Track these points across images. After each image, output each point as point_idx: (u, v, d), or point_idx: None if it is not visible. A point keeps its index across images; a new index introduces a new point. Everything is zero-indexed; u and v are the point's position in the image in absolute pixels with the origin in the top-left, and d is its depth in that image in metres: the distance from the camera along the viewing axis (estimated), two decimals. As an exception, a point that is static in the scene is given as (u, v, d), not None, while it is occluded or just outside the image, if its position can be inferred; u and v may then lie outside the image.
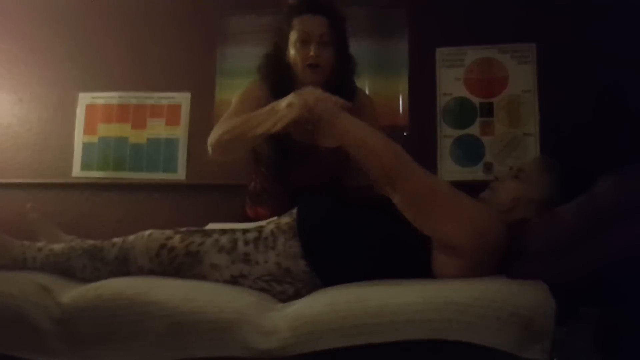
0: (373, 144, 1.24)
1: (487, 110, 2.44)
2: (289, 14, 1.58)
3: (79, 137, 2.70)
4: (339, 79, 1.59)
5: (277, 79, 1.59)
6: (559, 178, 1.33)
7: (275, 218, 1.39)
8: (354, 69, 1.65)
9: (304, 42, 1.52)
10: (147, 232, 1.35)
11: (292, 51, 1.56)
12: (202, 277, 1.28)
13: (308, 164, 1.60)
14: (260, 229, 1.34)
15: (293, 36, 1.55)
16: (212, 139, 1.54)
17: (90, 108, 2.72)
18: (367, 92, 2.40)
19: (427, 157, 2.41)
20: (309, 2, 1.56)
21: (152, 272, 1.30)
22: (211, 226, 1.44)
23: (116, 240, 1.36)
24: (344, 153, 1.44)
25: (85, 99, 2.72)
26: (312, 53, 1.51)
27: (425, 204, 1.20)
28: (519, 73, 2.42)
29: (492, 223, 1.23)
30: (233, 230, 1.34)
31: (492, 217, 1.25)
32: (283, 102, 1.33)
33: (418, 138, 2.42)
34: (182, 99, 2.67)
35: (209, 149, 1.55)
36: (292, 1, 1.60)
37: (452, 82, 2.47)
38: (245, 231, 1.34)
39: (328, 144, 1.28)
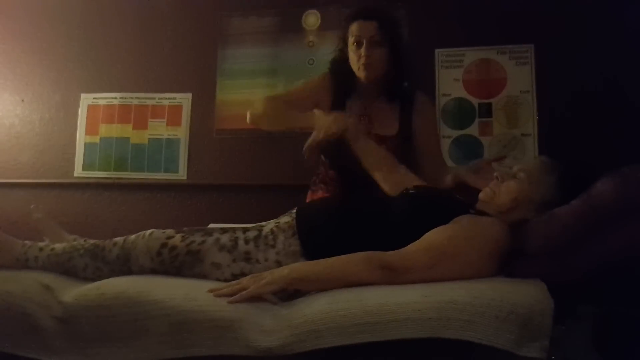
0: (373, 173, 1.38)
1: (486, 110, 2.44)
2: (346, 22, 1.75)
3: (80, 138, 2.71)
4: (393, 80, 1.74)
5: (343, 80, 1.76)
6: (560, 179, 1.33)
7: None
8: (408, 70, 1.77)
9: (357, 44, 1.69)
10: (148, 231, 1.35)
11: (350, 54, 1.73)
12: (203, 276, 1.29)
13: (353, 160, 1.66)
14: (260, 228, 1.35)
15: (350, 41, 1.71)
16: (260, 106, 1.72)
17: (92, 108, 2.73)
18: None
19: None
20: (362, 9, 1.74)
21: (153, 271, 1.31)
22: (211, 227, 1.44)
23: (117, 239, 1.37)
24: (396, 142, 1.69)
25: (87, 99, 2.74)
26: (363, 53, 1.67)
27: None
28: (518, 74, 2.42)
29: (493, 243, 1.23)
30: (233, 229, 1.35)
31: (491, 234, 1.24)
32: (330, 117, 1.53)
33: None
34: (183, 99, 2.68)
35: (249, 114, 1.73)
36: (348, 11, 1.79)
37: (451, 82, 2.48)
38: (245, 230, 1.34)
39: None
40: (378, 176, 1.49)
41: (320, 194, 1.83)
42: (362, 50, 1.67)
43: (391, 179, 1.45)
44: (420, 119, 1.76)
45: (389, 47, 1.70)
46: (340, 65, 1.77)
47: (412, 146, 1.74)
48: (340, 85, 1.76)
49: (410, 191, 1.38)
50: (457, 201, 1.38)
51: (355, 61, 1.70)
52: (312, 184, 1.89)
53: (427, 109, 1.80)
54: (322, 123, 1.50)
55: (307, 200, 1.89)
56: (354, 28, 1.70)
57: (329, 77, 1.80)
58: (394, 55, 1.71)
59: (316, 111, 1.56)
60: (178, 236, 1.32)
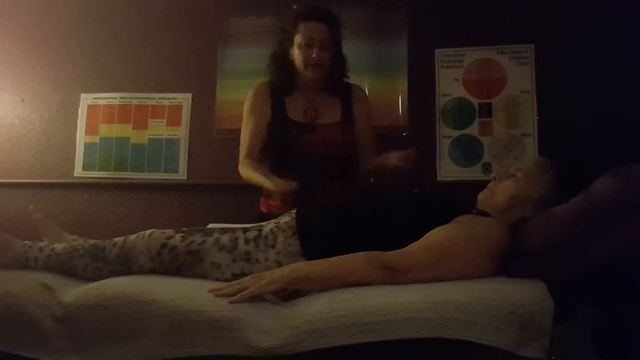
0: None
1: (486, 110, 2.45)
2: (295, 19, 1.79)
3: (80, 138, 2.71)
4: (335, 77, 1.86)
5: (282, 75, 1.84)
6: (557, 177, 1.34)
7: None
8: (347, 68, 1.90)
9: (307, 45, 1.75)
10: (148, 231, 1.35)
11: (296, 52, 1.78)
12: (203, 276, 1.29)
13: (307, 138, 1.79)
14: (260, 228, 1.35)
15: (298, 39, 1.77)
16: (240, 167, 1.85)
17: (92, 108, 2.73)
18: (367, 92, 2.44)
19: (426, 158, 2.42)
20: (314, 10, 1.79)
21: (153, 271, 1.31)
22: (211, 227, 1.44)
23: (117, 239, 1.37)
24: (341, 127, 1.81)
25: (87, 99, 2.74)
26: (314, 55, 1.75)
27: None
28: (518, 74, 2.43)
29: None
30: (233, 229, 1.35)
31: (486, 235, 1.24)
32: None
33: (417, 138, 2.43)
34: (183, 99, 2.68)
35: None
36: (298, 7, 1.83)
37: (451, 82, 2.48)
38: (245, 230, 1.35)
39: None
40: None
41: (277, 197, 1.84)
42: (314, 52, 1.75)
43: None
44: (357, 109, 1.88)
45: (333, 49, 1.80)
46: (281, 59, 1.83)
47: (353, 130, 1.86)
48: (280, 83, 1.84)
49: (414, 190, 1.38)
50: (458, 201, 1.39)
51: (302, 60, 1.77)
52: (265, 191, 1.91)
53: (362, 100, 1.92)
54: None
55: (260, 209, 1.93)
56: (305, 28, 1.75)
57: (260, 88, 1.88)
58: (337, 55, 1.83)
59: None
60: (178, 236, 1.33)
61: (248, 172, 1.79)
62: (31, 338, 1.13)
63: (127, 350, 1.08)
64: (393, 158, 1.72)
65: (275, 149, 1.83)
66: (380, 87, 2.49)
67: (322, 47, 1.75)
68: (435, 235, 1.21)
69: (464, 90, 2.47)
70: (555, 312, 1.01)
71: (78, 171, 2.69)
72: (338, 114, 1.84)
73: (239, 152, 2.64)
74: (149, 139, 2.68)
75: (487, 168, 2.41)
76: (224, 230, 1.35)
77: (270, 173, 1.71)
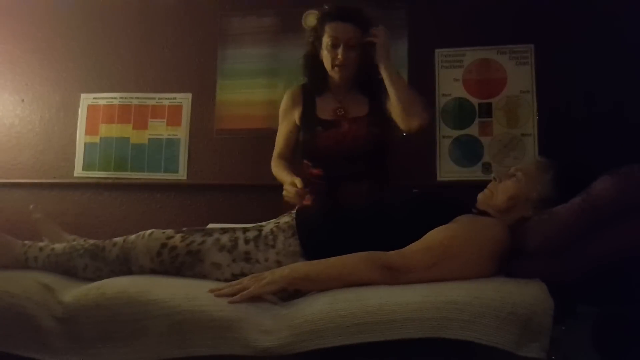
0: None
1: (486, 110, 2.45)
2: (322, 20, 1.79)
3: (80, 138, 2.72)
4: (365, 75, 1.83)
5: (314, 76, 1.86)
6: (556, 176, 1.34)
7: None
8: (377, 66, 1.82)
9: (333, 45, 1.74)
10: (148, 231, 1.35)
11: (324, 53, 1.78)
12: (203, 276, 1.29)
13: (330, 133, 1.79)
14: (260, 228, 1.35)
15: (325, 40, 1.76)
16: (272, 164, 1.88)
17: (92, 109, 2.73)
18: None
19: (426, 158, 2.43)
20: (340, 10, 1.77)
21: (153, 271, 1.31)
22: (211, 227, 1.44)
23: (117, 239, 1.37)
24: (367, 120, 1.80)
25: (87, 99, 2.74)
26: (339, 56, 1.74)
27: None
28: (518, 74, 2.43)
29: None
30: (233, 229, 1.35)
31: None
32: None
33: (417, 138, 2.40)
34: (183, 99, 2.68)
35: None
36: (326, 8, 1.81)
37: (451, 82, 2.48)
38: (245, 230, 1.35)
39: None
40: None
41: (308, 194, 1.83)
42: (340, 53, 1.73)
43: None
44: (383, 105, 1.83)
45: (362, 48, 1.77)
46: (312, 60, 1.84)
47: (384, 125, 1.82)
48: (312, 83, 1.87)
49: (414, 191, 1.38)
50: (458, 201, 1.39)
51: (330, 60, 1.76)
52: None
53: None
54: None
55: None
56: (331, 28, 1.74)
57: (290, 93, 1.92)
58: (365, 54, 1.78)
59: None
60: (178, 236, 1.33)
61: (275, 170, 1.85)
62: (31, 338, 1.13)
63: (127, 350, 1.08)
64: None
65: (305, 147, 1.85)
66: (380, 87, 2.49)
67: (348, 47, 1.73)
68: (436, 235, 1.21)
69: (464, 90, 2.47)
70: (556, 312, 1.01)
71: (78, 171, 2.70)
72: (366, 109, 1.83)
73: (238, 152, 2.67)
74: (149, 139, 2.68)
75: (487, 168, 2.41)
76: (224, 230, 1.35)
77: (291, 174, 1.72)
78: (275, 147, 1.91)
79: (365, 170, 1.79)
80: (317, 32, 1.80)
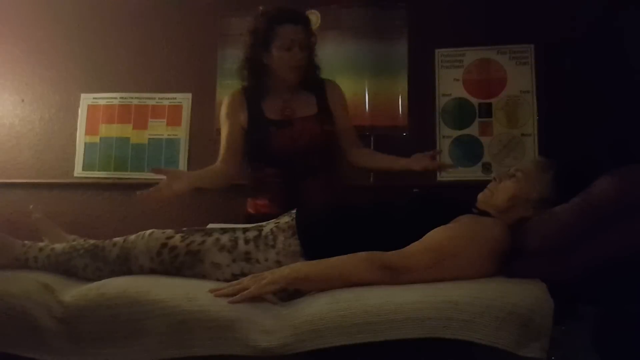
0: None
1: (486, 110, 2.45)
2: (269, 21, 1.78)
3: (80, 138, 2.71)
4: (309, 74, 1.87)
5: (257, 78, 1.86)
6: (556, 176, 1.35)
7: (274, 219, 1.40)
8: (319, 64, 1.92)
9: (288, 48, 1.76)
10: (148, 231, 1.35)
11: (276, 55, 1.78)
12: (203, 276, 1.29)
13: (284, 133, 1.81)
14: (260, 228, 1.35)
15: (277, 42, 1.77)
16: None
17: (92, 108, 2.73)
18: (366, 92, 2.45)
19: (435, 158, 2.42)
20: (289, 12, 1.80)
21: (153, 271, 1.31)
22: (211, 227, 1.44)
23: (117, 239, 1.37)
24: (318, 119, 1.84)
25: (87, 99, 2.74)
26: (298, 57, 1.78)
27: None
28: (518, 74, 2.43)
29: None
30: (233, 229, 1.35)
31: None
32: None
33: (417, 138, 2.43)
34: (183, 99, 2.68)
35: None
36: (269, 9, 1.82)
37: (451, 82, 2.48)
38: (245, 230, 1.35)
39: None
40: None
41: (263, 197, 1.87)
42: (297, 55, 1.77)
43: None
44: (332, 102, 1.90)
45: (309, 49, 1.83)
46: (254, 63, 1.84)
47: (332, 122, 1.88)
48: (254, 87, 1.87)
49: (414, 190, 1.38)
50: (458, 201, 1.39)
51: (286, 62, 1.78)
52: (251, 192, 1.94)
53: (337, 93, 1.94)
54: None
55: (247, 210, 1.94)
56: (285, 31, 1.76)
57: (232, 97, 1.90)
58: (311, 55, 1.85)
59: None
60: (178, 236, 1.33)
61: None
62: (31, 338, 1.13)
63: (127, 350, 1.08)
64: (422, 164, 1.73)
65: (257, 149, 1.86)
66: (380, 87, 2.49)
67: (301, 47, 1.78)
68: (436, 236, 1.21)
69: (464, 90, 2.47)
70: (556, 312, 1.01)
71: (78, 171, 2.69)
72: (314, 108, 1.87)
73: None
74: (149, 139, 2.68)
75: (487, 168, 2.41)
76: (224, 230, 1.35)
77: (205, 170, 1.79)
78: (221, 152, 1.87)
79: (320, 165, 1.84)
80: (264, 34, 1.79)
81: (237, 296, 1.12)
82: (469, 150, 2.44)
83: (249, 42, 1.84)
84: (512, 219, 1.33)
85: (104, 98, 2.72)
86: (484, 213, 1.35)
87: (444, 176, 2.42)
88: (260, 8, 1.84)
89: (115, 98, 2.71)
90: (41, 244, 1.42)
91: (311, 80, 1.89)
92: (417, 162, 1.76)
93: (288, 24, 1.76)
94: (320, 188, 1.79)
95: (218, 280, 1.28)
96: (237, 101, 1.89)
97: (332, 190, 1.82)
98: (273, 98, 1.87)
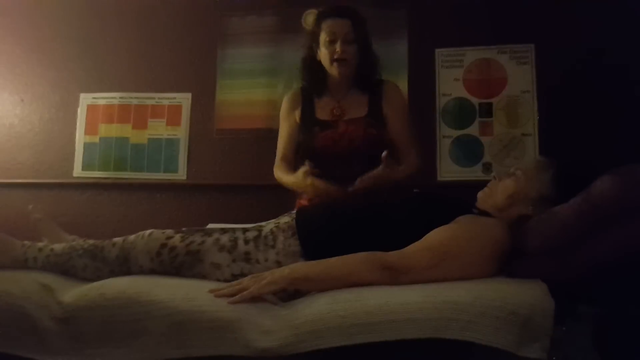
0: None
1: (486, 110, 2.45)
2: (318, 19, 1.83)
3: (80, 137, 2.71)
4: (364, 73, 1.84)
5: (312, 77, 1.87)
6: (555, 175, 1.35)
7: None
8: (377, 64, 1.88)
9: (331, 41, 1.77)
10: (148, 231, 1.35)
11: (322, 50, 1.80)
12: (203, 277, 1.29)
13: (327, 134, 1.80)
14: (260, 228, 1.35)
15: (323, 37, 1.79)
16: (274, 170, 1.88)
17: (91, 108, 2.73)
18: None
19: (426, 158, 2.42)
20: (335, 7, 1.82)
21: (153, 272, 1.30)
22: (211, 227, 1.44)
23: (117, 239, 1.36)
24: (364, 121, 1.80)
25: (86, 99, 2.74)
26: (338, 49, 1.76)
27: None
28: (518, 74, 2.43)
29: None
30: (233, 230, 1.35)
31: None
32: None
33: (417, 138, 2.42)
34: (183, 99, 2.68)
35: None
36: (321, 8, 1.88)
37: (451, 82, 2.48)
38: (245, 230, 1.34)
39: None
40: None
41: (307, 198, 1.83)
42: (337, 47, 1.75)
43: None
44: (387, 105, 1.84)
45: (359, 44, 1.80)
46: (310, 62, 1.86)
47: (382, 126, 1.82)
48: (311, 85, 1.87)
49: (414, 190, 1.38)
50: (458, 201, 1.39)
51: (329, 57, 1.78)
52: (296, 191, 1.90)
53: (394, 96, 1.88)
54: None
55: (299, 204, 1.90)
56: (327, 25, 1.77)
57: (289, 97, 1.93)
58: (363, 51, 1.82)
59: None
60: (177, 236, 1.32)
61: (278, 174, 1.86)
62: (31, 338, 1.13)
63: (127, 351, 1.08)
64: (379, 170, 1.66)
65: (303, 149, 1.85)
66: (380, 87, 2.49)
67: (346, 41, 1.75)
68: (436, 236, 1.21)
69: (464, 90, 2.47)
70: (556, 312, 1.01)
71: (77, 171, 2.69)
72: (364, 110, 1.82)
73: (238, 152, 2.66)
74: (148, 138, 2.68)
75: (487, 168, 2.41)
76: (223, 231, 1.35)
77: (294, 172, 1.75)
78: (277, 151, 1.91)
79: (362, 171, 1.74)
80: (314, 33, 1.82)
81: (237, 296, 1.12)
82: (469, 150, 2.44)
83: (306, 42, 1.87)
84: (512, 217, 1.33)
85: (103, 98, 2.72)
86: (484, 213, 1.35)
87: (444, 176, 2.42)
88: (320, 8, 1.88)
89: (115, 98, 2.71)
90: (41, 244, 1.42)
91: (367, 80, 1.84)
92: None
93: (332, 18, 1.77)
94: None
95: (218, 280, 1.27)
96: (294, 99, 1.91)
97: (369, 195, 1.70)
98: (327, 98, 1.86)
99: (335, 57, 1.76)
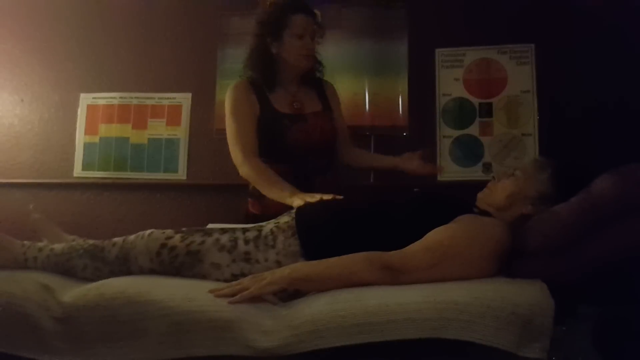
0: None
1: (486, 110, 2.45)
2: (282, 11, 1.81)
3: (80, 137, 2.71)
4: (313, 70, 1.91)
5: (265, 69, 1.84)
6: (554, 174, 1.35)
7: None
8: (322, 63, 1.96)
9: (300, 36, 1.79)
10: (148, 231, 1.35)
11: (287, 42, 1.80)
12: (203, 277, 1.29)
13: (301, 127, 1.81)
14: (260, 228, 1.35)
15: (290, 30, 1.79)
16: (243, 169, 1.80)
17: (91, 108, 2.73)
18: (366, 92, 2.46)
19: (426, 158, 2.42)
20: (300, 3, 1.83)
21: (152, 272, 1.30)
22: (211, 227, 1.44)
23: (117, 239, 1.36)
24: (327, 115, 1.87)
25: (86, 99, 2.73)
26: (309, 46, 1.81)
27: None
28: (518, 74, 2.43)
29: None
30: (233, 230, 1.35)
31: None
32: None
33: (417, 138, 2.43)
34: (183, 99, 2.68)
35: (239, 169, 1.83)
36: (281, 0, 1.84)
37: (451, 82, 2.48)
38: (245, 230, 1.34)
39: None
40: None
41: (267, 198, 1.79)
42: (307, 43, 1.80)
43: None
44: (333, 103, 1.95)
45: (316, 40, 1.87)
46: (262, 54, 1.83)
47: (334, 119, 1.92)
48: (263, 77, 1.84)
49: (414, 190, 1.38)
50: (458, 201, 1.39)
51: (295, 51, 1.80)
52: (252, 195, 1.88)
53: (334, 93, 1.99)
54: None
55: (250, 210, 1.90)
56: (297, 19, 1.79)
57: (241, 87, 1.84)
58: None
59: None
60: (177, 236, 1.32)
61: (258, 173, 1.74)
62: (30, 338, 1.13)
63: (127, 351, 1.08)
64: (413, 164, 1.81)
65: (268, 143, 1.80)
66: (380, 87, 2.49)
67: (312, 37, 1.82)
68: (436, 236, 1.21)
69: (464, 90, 2.47)
70: (556, 312, 1.01)
71: (77, 171, 2.69)
72: (318, 104, 1.89)
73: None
74: (148, 138, 2.68)
75: (487, 168, 2.40)
76: (223, 231, 1.35)
77: (284, 182, 1.66)
78: (234, 149, 1.78)
79: (328, 164, 1.86)
80: (277, 24, 1.79)
81: (237, 296, 1.12)
82: (469, 150, 2.44)
83: (257, 33, 1.84)
84: (512, 216, 1.34)
85: (103, 98, 2.72)
86: (484, 213, 1.35)
87: (444, 176, 2.42)
88: (269, 1, 1.87)
89: (115, 98, 2.71)
90: (40, 244, 1.42)
91: (311, 77, 1.91)
92: (406, 161, 1.81)
93: (301, 14, 1.79)
94: (330, 187, 1.71)
95: (218, 280, 1.27)
96: (244, 93, 1.82)
97: (340, 189, 1.75)
98: (280, 92, 1.85)
99: (305, 53, 1.81)
